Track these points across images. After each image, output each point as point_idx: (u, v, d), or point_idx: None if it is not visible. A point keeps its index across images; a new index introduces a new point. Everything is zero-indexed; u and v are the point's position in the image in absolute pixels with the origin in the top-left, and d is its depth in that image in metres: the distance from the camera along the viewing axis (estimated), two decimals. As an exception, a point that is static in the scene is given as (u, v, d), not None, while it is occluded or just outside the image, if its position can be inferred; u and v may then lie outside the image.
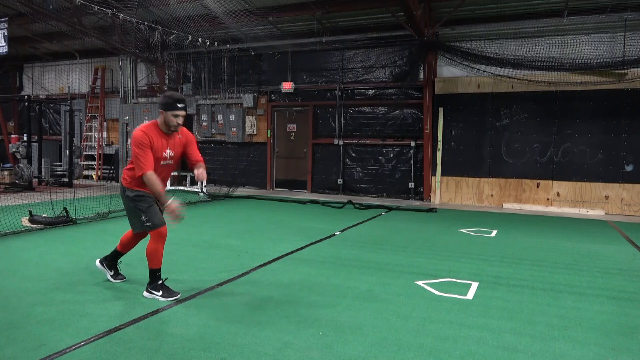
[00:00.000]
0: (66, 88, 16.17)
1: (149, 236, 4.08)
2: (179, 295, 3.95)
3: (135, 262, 5.03)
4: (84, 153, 14.99)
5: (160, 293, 3.94)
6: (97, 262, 4.42)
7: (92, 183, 14.34)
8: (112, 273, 4.36)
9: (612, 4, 9.54)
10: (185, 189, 12.33)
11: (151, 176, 3.82)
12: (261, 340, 3.15)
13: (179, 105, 3.85)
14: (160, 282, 4.00)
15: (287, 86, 12.73)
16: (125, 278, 4.42)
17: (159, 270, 4.00)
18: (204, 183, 4.37)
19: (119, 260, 4.43)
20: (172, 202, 3.89)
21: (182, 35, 11.20)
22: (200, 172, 4.11)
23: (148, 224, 3.97)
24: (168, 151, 3.98)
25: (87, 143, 15.36)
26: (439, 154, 11.37)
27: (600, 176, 10.24)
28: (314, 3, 10.67)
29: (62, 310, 3.61)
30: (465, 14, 10.75)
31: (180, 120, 3.90)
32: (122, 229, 7.04)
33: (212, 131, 14.03)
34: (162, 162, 3.96)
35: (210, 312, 3.65)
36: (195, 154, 4.21)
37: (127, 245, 4.33)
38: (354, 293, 4.24)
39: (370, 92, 12.31)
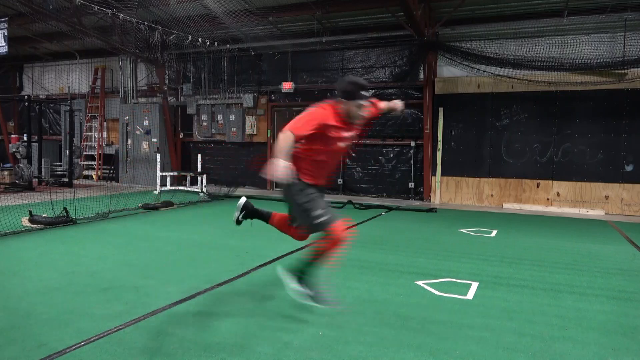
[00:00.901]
0: (66, 88, 16.17)
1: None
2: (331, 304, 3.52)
3: (135, 262, 5.02)
4: (84, 153, 14.99)
5: (304, 289, 3.53)
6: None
7: (92, 183, 14.34)
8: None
9: (612, 4, 9.54)
10: (185, 189, 12.33)
11: (289, 137, 3.17)
12: (261, 340, 3.15)
13: (364, 94, 3.32)
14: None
15: (287, 86, 12.72)
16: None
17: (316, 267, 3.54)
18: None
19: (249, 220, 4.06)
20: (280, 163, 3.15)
21: (182, 35, 11.21)
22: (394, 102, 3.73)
23: (322, 219, 3.37)
24: (345, 134, 3.45)
25: (87, 143, 15.36)
26: (439, 154, 11.37)
27: (600, 176, 10.24)
28: (314, 3, 10.67)
29: (62, 310, 3.61)
30: (465, 14, 10.75)
31: (366, 112, 3.41)
32: (122, 229, 7.07)
33: (212, 131, 14.03)
34: (335, 156, 3.52)
35: (210, 312, 3.65)
36: (377, 104, 3.75)
37: (282, 225, 3.83)
38: (354, 293, 4.23)
39: (371, 92, 12.29)
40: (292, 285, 3.56)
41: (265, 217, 4.00)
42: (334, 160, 3.60)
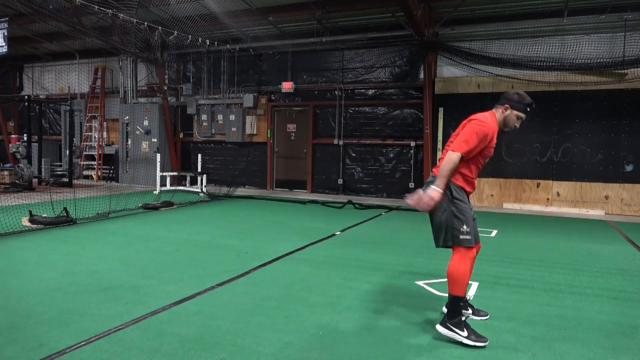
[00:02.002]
0: (66, 88, 16.17)
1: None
2: (488, 342, 3.18)
3: (134, 260, 5.01)
4: (84, 153, 14.99)
5: (465, 334, 3.16)
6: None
7: (92, 183, 14.34)
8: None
9: (612, 4, 9.53)
10: (185, 189, 12.33)
11: (458, 159, 3.19)
12: (261, 340, 3.15)
13: (528, 110, 3.42)
14: (464, 318, 3.25)
15: (287, 86, 12.72)
16: (485, 315, 3.69)
17: (462, 299, 3.25)
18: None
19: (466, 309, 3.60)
20: (440, 195, 3.16)
21: (182, 35, 11.21)
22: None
23: (466, 237, 3.24)
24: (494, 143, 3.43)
25: (87, 143, 15.36)
26: (439, 154, 11.36)
27: (600, 176, 10.24)
28: (314, 3, 10.67)
29: (62, 310, 3.61)
30: (465, 14, 10.75)
31: (518, 125, 3.46)
32: (122, 229, 7.08)
33: (212, 131, 14.03)
34: (486, 160, 3.50)
35: (210, 312, 3.65)
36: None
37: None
38: (354, 293, 4.23)
39: (370, 92, 12.31)
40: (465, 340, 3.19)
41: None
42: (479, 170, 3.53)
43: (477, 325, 3.52)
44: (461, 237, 3.24)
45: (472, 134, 3.26)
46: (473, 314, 3.68)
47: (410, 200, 3.22)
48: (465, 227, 3.24)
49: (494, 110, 3.51)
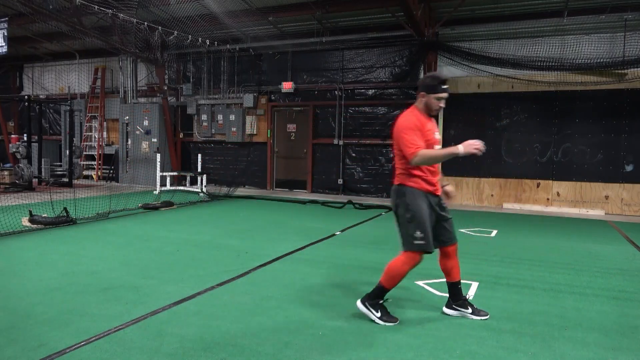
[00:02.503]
0: (66, 88, 16.17)
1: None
2: (397, 322, 3.52)
3: (133, 262, 5.01)
4: (84, 153, 14.99)
5: (379, 314, 3.50)
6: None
7: (92, 183, 14.34)
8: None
9: (612, 4, 9.53)
10: (185, 189, 12.33)
11: (425, 152, 3.33)
12: (261, 340, 3.15)
13: (444, 87, 3.44)
14: (381, 301, 3.56)
15: (287, 86, 12.72)
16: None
17: (388, 291, 3.56)
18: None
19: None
20: (465, 144, 3.27)
21: (182, 35, 11.21)
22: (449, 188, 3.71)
23: (419, 242, 3.41)
24: (436, 133, 3.54)
25: (87, 143, 15.36)
26: (439, 154, 11.36)
27: (600, 176, 10.24)
28: (314, 3, 10.67)
29: (62, 310, 3.61)
30: (465, 14, 10.75)
31: (443, 104, 3.49)
32: (122, 229, 7.08)
33: (212, 131, 14.03)
34: (435, 147, 3.49)
35: (210, 312, 3.65)
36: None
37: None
38: (354, 293, 4.23)
39: (370, 92, 12.31)
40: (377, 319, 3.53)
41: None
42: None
43: (477, 326, 3.52)
44: (415, 242, 3.41)
45: (405, 134, 3.40)
46: (472, 313, 3.68)
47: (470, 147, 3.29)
48: (418, 232, 3.38)
49: (415, 103, 3.60)
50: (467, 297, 3.81)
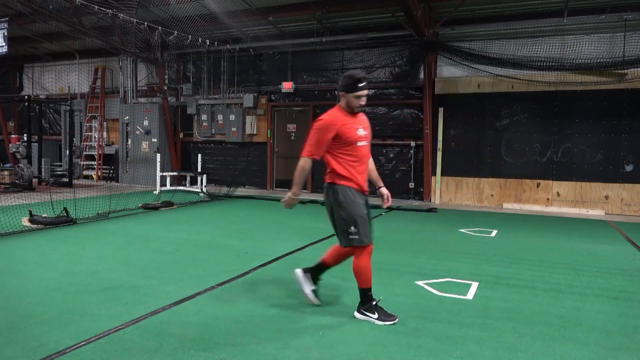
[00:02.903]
0: (66, 88, 16.17)
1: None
2: (397, 320, 3.56)
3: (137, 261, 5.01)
4: (84, 153, 14.99)
5: (376, 316, 3.54)
6: (299, 272, 3.93)
7: (92, 183, 14.34)
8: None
9: (612, 4, 9.53)
10: (185, 189, 12.33)
11: (308, 164, 3.50)
12: (261, 340, 3.15)
13: (361, 85, 3.50)
14: (374, 302, 3.60)
15: (287, 86, 12.72)
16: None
17: (369, 289, 3.60)
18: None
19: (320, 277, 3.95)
20: (293, 195, 3.52)
21: (182, 35, 11.21)
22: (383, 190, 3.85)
23: (354, 237, 3.49)
24: (360, 130, 3.58)
25: (87, 143, 15.36)
26: (439, 154, 11.37)
27: (600, 176, 10.24)
28: (314, 3, 10.67)
29: (62, 310, 3.61)
30: (465, 14, 10.75)
31: (363, 102, 3.55)
32: (122, 229, 7.07)
33: (212, 131, 14.03)
34: (358, 143, 3.56)
35: (210, 312, 3.65)
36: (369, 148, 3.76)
37: (337, 258, 3.83)
38: (354, 293, 4.23)
39: (370, 92, 12.31)
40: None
41: (323, 264, 3.89)
42: (364, 158, 3.66)
43: (477, 325, 3.52)
44: (350, 237, 3.50)
45: (311, 135, 3.53)
46: (311, 292, 3.86)
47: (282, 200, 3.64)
48: (352, 228, 3.47)
49: (339, 102, 3.64)
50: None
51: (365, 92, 3.54)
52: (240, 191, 12.57)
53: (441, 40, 11.15)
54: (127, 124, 14.39)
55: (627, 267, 5.45)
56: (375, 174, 3.87)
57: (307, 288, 3.86)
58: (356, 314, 3.64)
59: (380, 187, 3.87)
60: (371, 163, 3.84)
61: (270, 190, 13.30)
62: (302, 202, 10.81)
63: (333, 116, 3.55)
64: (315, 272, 3.90)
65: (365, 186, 3.66)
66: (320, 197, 11.87)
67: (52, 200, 8.74)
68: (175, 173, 13.10)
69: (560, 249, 6.41)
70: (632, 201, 10.01)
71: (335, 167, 3.56)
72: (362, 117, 3.70)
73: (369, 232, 3.53)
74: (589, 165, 10.33)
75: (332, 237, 6.78)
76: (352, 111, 3.59)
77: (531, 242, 6.85)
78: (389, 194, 3.86)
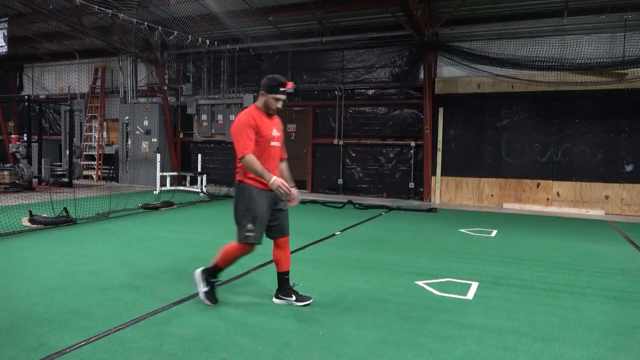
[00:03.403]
0: (66, 88, 16.17)
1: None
2: (217, 303, 3.78)
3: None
4: (84, 153, 14.99)
5: (205, 289, 3.79)
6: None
7: (92, 183, 14.34)
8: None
9: (612, 4, 9.53)
10: (185, 189, 12.33)
11: (251, 158, 3.55)
12: (261, 340, 3.15)
13: (282, 90, 3.69)
14: (213, 280, 3.86)
15: (287, 86, 12.70)
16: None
17: (221, 270, 3.85)
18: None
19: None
20: (277, 179, 3.52)
21: (182, 35, 11.21)
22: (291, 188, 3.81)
23: (250, 234, 3.64)
24: (274, 131, 3.75)
25: (87, 143, 15.35)
26: (439, 154, 11.37)
27: (600, 176, 10.24)
28: (314, 3, 10.67)
29: (62, 310, 3.61)
30: (465, 14, 10.75)
31: (280, 105, 3.74)
32: (122, 229, 7.07)
33: (212, 131, 14.02)
34: (271, 143, 3.72)
35: (210, 312, 3.65)
36: (283, 149, 3.96)
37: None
38: (354, 293, 4.23)
39: (370, 92, 12.30)
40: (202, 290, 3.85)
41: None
42: (274, 157, 3.81)
43: (477, 326, 3.52)
44: (246, 233, 3.66)
45: (236, 134, 3.62)
46: (296, 300, 3.87)
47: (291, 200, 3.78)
48: (250, 225, 3.64)
49: (256, 101, 3.80)
50: (293, 285, 3.97)
51: (284, 97, 3.72)
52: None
53: (441, 40, 11.15)
54: (127, 124, 14.39)
55: (627, 267, 5.45)
56: (286, 174, 4.00)
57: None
58: (197, 271, 3.85)
59: (291, 187, 3.95)
60: (284, 164, 4.01)
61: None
62: (302, 202, 10.81)
63: (250, 114, 3.68)
64: (209, 274, 3.90)
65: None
66: (320, 197, 11.89)
67: (52, 200, 8.74)
68: (175, 173, 13.10)
69: (560, 249, 6.41)
70: (632, 201, 10.01)
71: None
72: (277, 120, 3.88)
73: (261, 234, 3.71)
74: (589, 165, 10.33)
75: (331, 237, 6.79)
76: (268, 112, 3.75)
77: (531, 242, 6.85)
78: (298, 195, 3.94)
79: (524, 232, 7.64)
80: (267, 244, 5.90)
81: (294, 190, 3.79)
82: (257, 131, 3.62)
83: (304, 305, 3.84)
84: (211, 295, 3.82)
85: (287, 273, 3.93)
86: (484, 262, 5.53)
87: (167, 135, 14.09)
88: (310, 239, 6.62)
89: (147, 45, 11.52)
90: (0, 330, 3.19)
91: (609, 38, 9.97)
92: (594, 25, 10.00)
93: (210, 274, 3.84)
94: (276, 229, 3.83)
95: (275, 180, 3.50)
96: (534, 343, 3.24)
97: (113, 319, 3.44)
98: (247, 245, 3.70)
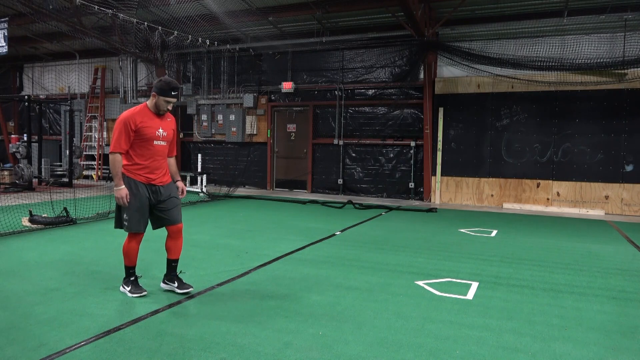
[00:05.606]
0: (66, 88, 16.17)
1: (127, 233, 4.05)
2: (146, 293, 4.00)
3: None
4: (84, 153, 14.99)
5: (129, 289, 4.01)
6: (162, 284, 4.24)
7: (92, 183, 14.34)
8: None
9: (612, 4, 9.54)
10: (185, 189, 12.31)
11: (117, 158, 3.85)
12: (261, 340, 3.15)
13: (173, 94, 3.93)
14: (132, 278, 4.06)
15: (287, 86, 12.72)
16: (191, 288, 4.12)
17: (132, 267, 4.06)
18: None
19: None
20: (121, 190, 3.81)
21: (182, 35, 11.20)
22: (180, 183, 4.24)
23: (124, 224, 3.95)
24: (160, 130, 3.99)
25: (87, 143, 15.37)
26: (439, 154, 11.37)
27: (600, 176, 10.24)
28: (314, 3, 10.67)
29: (62, 310, 3.61)
30: (465, 14, 10.75)
31: (170, 107, 4.01)
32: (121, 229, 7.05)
33: (212, 131, 14.03)
34: (155, 142, 3.97)
35: (210, 312, 3.65)
36: (172, 147, 4.23)
37: (169, 248, 4.14)
38: (354, 293, 4.23)
39: (370, 92, 12.31)
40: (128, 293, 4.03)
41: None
42: (158, 154, 4.03)
43: (477, 326, 3.52)
44: (122, 222, 3.96)
45: (115, 131, 3.91)
46: (178, 287, 4.06)
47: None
48: (125, 215, 3.91)
49: (148, 100, 4.07)
50: (179, 272, 4.23)
51: (174, 100, 3.96)
52: (240, 191, 12.57)
53: (441, 40, 11.15)
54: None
55: (627, 267, 5.45)
56: (174, 169, 4.23)
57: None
58: (121, 287, 4.09)
59: (177, 180, 4.24)
60: (172, 160, 4.24)
61: (270, 190, 13.30)
62: (302, 202, 10.81)
63: (133, 112, 3.93)
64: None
65: (158, 180, 3.99)
66: (320, 197, 11.90)
67: (52, 200, 8.74)
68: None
69: (560, 249, 6.41)
70: (632, 201, 10.01)
71: (128, 160, 3.91)
72: (169, 120, 4.11)
73: (138, 222, 3.92)
74: (589, 165, 10.33)
75: (331, 237, 6.79)
76: (158, 112, 3.99)
77: (531, 242, 6.85)
78: (184, 188, 4.25)
79: (524, 232, 7.64)
80: (270, 244, 5.83)
81: (180, 184, 4.19)
82: (137, 130, 3.86)
83: (184, 292, 4.04)
84: (136, 288, 4.01)
85: (176, 261, 4.13)
86: (484, 262, 5.53)
87: (167, 135, 14.07)
88: (310, 239, 6.62)
89: (147, 45, 11.52)
90: (0, 330, 3.19)
91: (609, 38, 9.97)
92: (594, 25, 10.00)
93: (125, 277, 4.08)
94: (164, 218, 4.02)
95: (120, 190, 3.80)
96: (534, 343, 3.24)
97: (113, 319, 3.44)
98: (130, 234, 3.94)
